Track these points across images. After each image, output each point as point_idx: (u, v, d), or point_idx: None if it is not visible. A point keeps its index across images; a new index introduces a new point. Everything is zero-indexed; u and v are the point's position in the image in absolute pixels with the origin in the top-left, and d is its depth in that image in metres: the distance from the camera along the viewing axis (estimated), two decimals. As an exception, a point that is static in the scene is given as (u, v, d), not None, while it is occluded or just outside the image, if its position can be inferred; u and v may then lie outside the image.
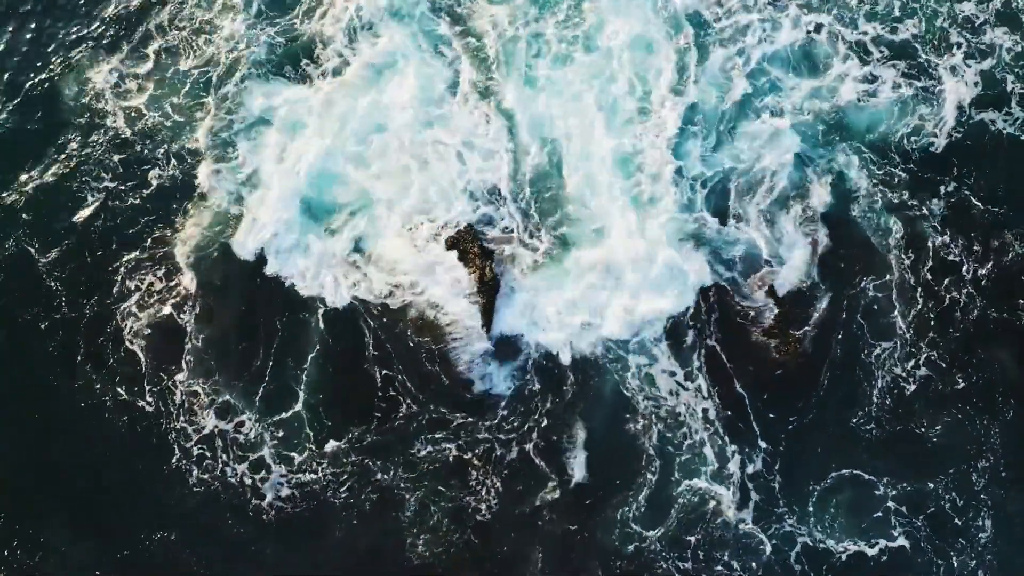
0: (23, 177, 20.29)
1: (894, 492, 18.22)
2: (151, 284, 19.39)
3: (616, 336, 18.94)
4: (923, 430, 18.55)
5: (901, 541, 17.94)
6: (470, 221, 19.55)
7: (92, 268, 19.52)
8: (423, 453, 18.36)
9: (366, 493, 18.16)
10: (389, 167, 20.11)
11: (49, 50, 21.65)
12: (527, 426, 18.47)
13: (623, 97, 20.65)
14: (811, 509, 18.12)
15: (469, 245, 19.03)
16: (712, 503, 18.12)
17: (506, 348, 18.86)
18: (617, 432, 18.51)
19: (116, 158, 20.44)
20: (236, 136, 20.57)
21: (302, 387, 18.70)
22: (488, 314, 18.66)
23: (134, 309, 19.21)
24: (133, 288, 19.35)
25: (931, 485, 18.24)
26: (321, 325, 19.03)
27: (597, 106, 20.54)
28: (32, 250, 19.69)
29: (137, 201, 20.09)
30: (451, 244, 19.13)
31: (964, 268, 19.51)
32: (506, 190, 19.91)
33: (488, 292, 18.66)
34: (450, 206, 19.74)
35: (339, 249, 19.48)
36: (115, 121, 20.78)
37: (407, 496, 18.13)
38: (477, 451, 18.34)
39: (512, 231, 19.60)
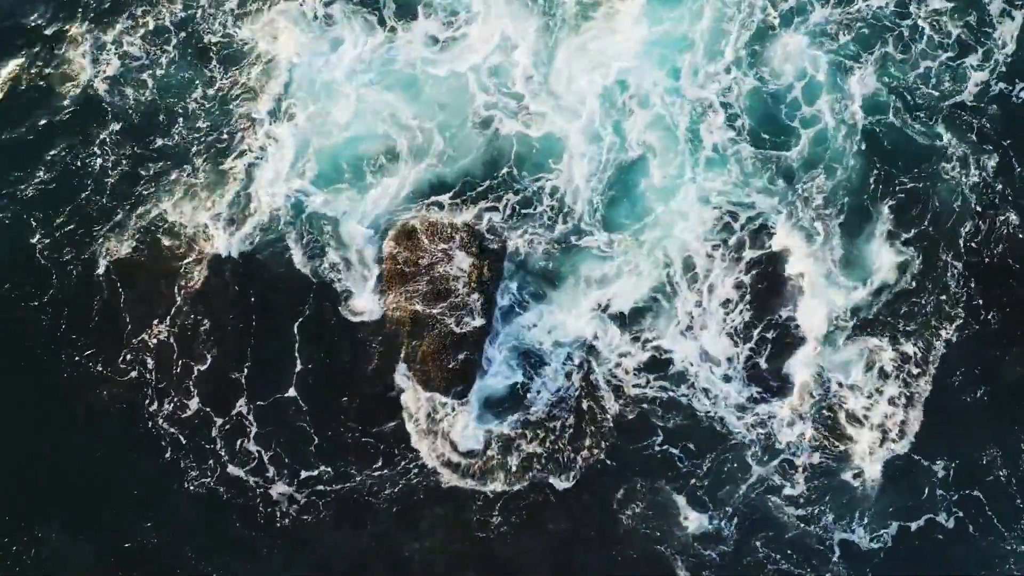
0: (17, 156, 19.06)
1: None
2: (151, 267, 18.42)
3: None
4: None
5: (946, 517, 17.42)
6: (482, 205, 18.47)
7: (89, 250, 18.46)
8: (422, 453, 17.72)
9: (369, 497, 17.64)
10: (407, 134, 18.83)
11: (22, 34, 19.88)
12: (541, 421, 17.75)
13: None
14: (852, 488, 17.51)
15: (468, 239, 17.78)
16: (755, 483, 17.55)
17: (513, 345, 18.01)
18: (639, 421, 17.76)
19: (112, 130, 19.03)
20: (238, 98, 19.19)
21: (293, 383, 17.97)
22: (488, 312, 17.62)
23: (133, 290, 18.28)
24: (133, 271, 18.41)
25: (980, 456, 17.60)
26: (316, 309, 18.23)
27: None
28: (29, 230, 18.59)
29: (140, 170, 18.84)
30: (448, 237, 17.87)
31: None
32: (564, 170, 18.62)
33: (486, 290, 17.59)
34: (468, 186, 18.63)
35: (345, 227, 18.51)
36: (104, 93, 19.23)
37: (415, 498, 17.64)
38: (494, 448, 17.66)
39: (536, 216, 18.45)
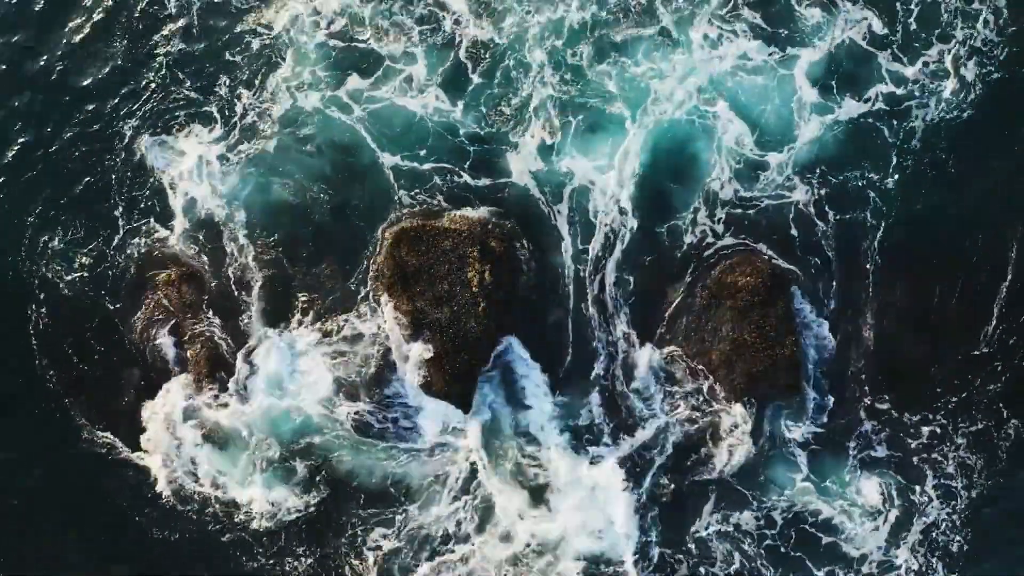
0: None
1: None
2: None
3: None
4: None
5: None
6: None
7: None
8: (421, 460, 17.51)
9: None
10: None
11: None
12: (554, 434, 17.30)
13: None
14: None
15: (470, 242, 16.92)
16: (779, 500, 17.18)
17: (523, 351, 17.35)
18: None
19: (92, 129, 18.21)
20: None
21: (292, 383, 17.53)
22: (491, 317, 16.84)
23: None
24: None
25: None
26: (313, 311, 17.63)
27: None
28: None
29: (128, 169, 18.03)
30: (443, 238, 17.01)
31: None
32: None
33: (490, 294, 16.78)
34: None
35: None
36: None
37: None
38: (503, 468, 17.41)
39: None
